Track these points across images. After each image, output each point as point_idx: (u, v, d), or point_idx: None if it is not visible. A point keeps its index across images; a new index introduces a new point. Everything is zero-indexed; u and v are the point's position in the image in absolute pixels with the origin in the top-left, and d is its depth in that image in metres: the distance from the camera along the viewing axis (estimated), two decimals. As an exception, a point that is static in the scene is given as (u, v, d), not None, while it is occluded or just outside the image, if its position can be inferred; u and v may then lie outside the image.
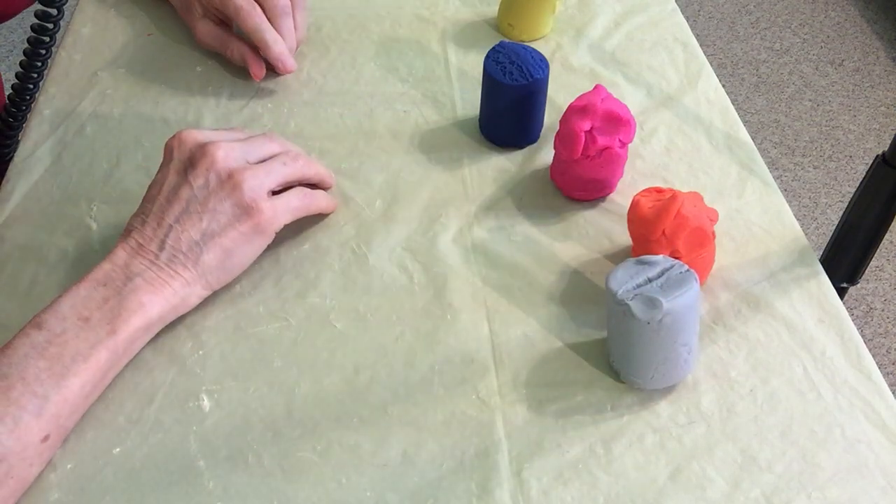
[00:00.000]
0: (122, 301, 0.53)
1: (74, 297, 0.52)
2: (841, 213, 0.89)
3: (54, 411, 0.49)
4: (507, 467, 0.52)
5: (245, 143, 0.59)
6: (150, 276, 0.54)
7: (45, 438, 0.49)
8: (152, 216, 0.56)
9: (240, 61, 0.75)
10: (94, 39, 0.80)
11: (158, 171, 0.58)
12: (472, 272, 0.62)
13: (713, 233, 0.60)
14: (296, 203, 0.60)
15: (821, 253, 0.87)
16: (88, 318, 0.51)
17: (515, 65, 0.67)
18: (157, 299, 0.54)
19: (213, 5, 0.75)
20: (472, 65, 0.79)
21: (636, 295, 0.53)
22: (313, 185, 0.64)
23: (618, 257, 0.64)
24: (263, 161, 0.60)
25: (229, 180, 0.56)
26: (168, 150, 0.58)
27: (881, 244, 0.89)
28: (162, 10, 0.83)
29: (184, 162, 0.57)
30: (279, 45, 0.73)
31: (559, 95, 0.76)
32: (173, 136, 0.58)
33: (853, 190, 0.90)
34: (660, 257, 0.55)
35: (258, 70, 0.74)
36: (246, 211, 0.56)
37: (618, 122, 0.64)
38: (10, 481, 0.48)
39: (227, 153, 0.57)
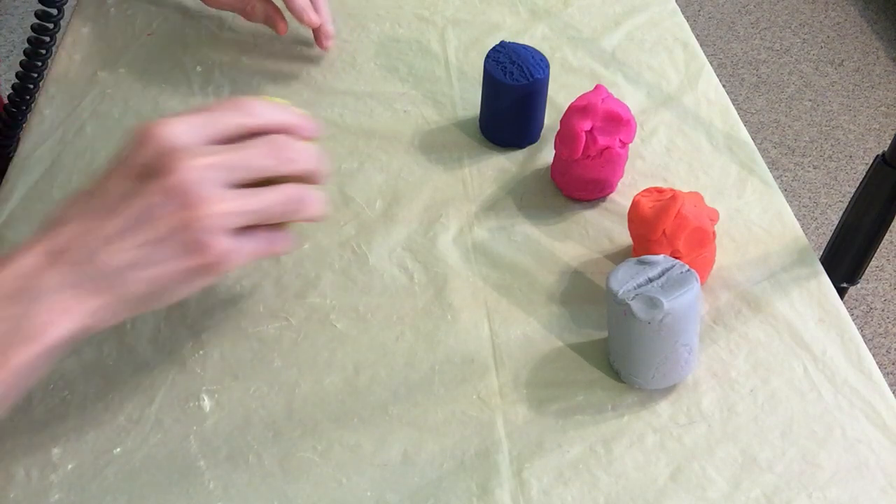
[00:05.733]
0: (20, 325, 0.42)
1: None
2: (841, 213, 0.89)
3: None
4: (507, 467, 0.52)
5: (232, 156, 0.47)
6: (63, 294, 0.43)
7: None
8: (88, 219, 0.45)
9: (262, 19, 0.77)
10: (94, 39, 0.80)
11: (110, 164, 0.47)
12: (472, 272, 0.62)
13: (713, 233, 0.60)
14: (253, 247, 0.48)
15: (821, 253, 0.87)
16: None
17: (516, 65, 0.67)
18: (63, 322, 0.43)
19: None
20: (472, 65, 0.79)
21: (637, 295, 0.53)
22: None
23: (618, 257, 0.64)
24: (249, 184, 0.47)
25: (183, 210, 0.45)
26: (132, 144, 0.46)
27: (881, 244, 0.89)
28: (162, 9, 0.83)
29: (140, 167, 0.45)
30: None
31: (559, 95, 0.76)
32: (142, 127, 0.46)
33: (853, 190, 0.90)
34: (660, 257, 0.55)
35: (283, 25, 0.76)
36: (193, 250, 0.45)
37: (618, 121, 0.64)
38: None
39: (195, 174, 0.45)
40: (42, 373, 0.45)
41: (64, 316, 0.43)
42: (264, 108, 0.49)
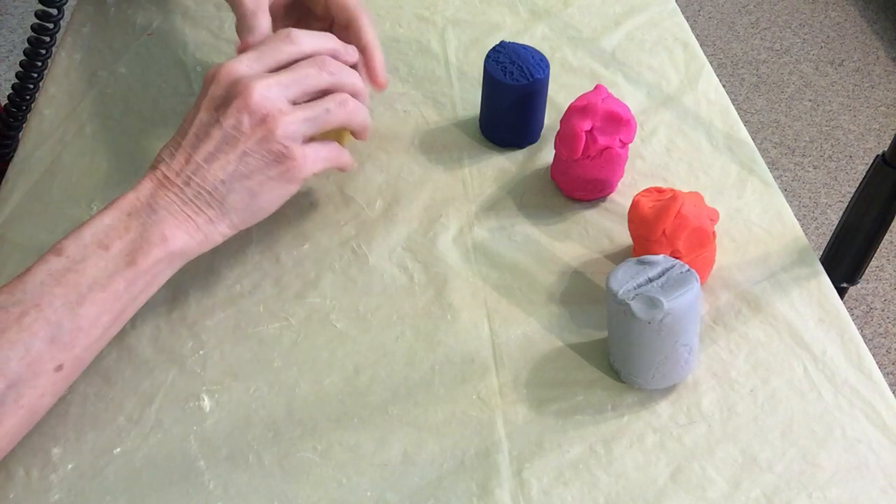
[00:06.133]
0: (144, 232, 0.52)
1: (97, 225, 0.52)
2: (841, 213, 0.89)
3: (68, 340, 0.49)
4: (507, 467, 0.52)
5: (289, 76, 0.56)
6: (175, 210, 0.53)
7: (59, 368, 0.49)
8: (181, 150, 0.54)
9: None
10: (94, 39, 0.80)
11: (195, 103, 0.56)
12: (472, 272, 0.62)
13: (713, 233, 0.60)
14: (325, 153, 0.58)
15: (821, 253, 0.87)
16: (109, 247, 0.51)
17: (516, 65, 0.67)
18: (179, 233, 0.53)
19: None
20: (472, 65, 0.79)
21: (637, 295, 0.53)
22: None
23: (618, 257, 0.64)
24: (306, 98, 0.57)
25: (262, 124, 0.54)
26: (205, 83, 0.56)
27: (881, 244, 0.89)
28: (162, 9, 0.83)
29: (216, 99, 0.55)
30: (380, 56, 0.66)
31: (559, 95, 0.76)
32: (210, 70, 0.56)
33: (853, 190, 0.90)
34: (660, 257, 0.55)
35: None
36: (277, 157, 0.55)
37: (618, 121, 0.64)
38: (21, 410, 0.48)
39: (264, 93, 0.54)
40: (167, 277, 0.54)
41: (177, 229, 0.53)
42: (308, 37, 0.58)
